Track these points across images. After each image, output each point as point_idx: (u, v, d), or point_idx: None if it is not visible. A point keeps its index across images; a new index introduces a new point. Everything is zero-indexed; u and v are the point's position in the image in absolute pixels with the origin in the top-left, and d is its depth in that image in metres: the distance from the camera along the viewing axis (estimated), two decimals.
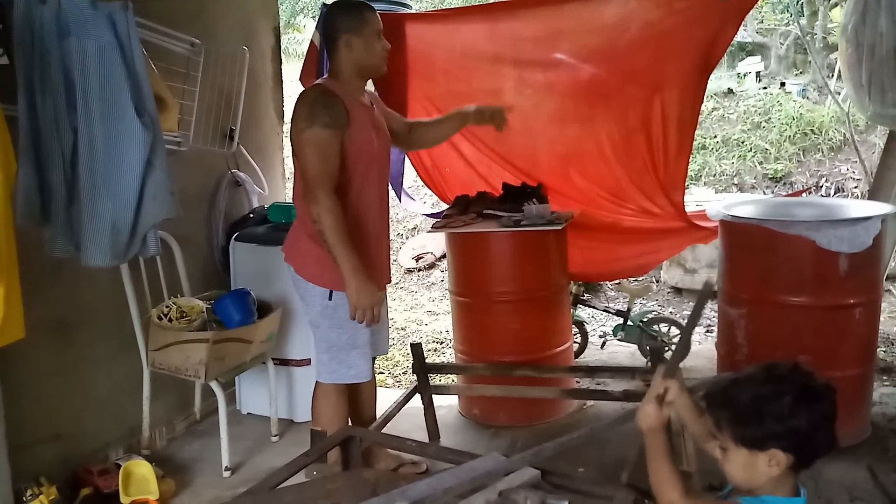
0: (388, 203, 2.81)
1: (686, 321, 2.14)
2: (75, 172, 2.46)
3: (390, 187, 3.14)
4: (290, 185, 4.53)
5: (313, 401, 2.70)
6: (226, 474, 3.12)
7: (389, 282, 2.85)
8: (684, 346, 1.67)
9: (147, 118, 2.49)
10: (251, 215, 3.79)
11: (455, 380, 3.90)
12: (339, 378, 2.60)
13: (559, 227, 3.43)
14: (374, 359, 2.92)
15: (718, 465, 1.40)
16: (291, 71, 4.99)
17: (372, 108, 2.66)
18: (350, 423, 2.70)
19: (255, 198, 3.99)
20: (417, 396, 3.26)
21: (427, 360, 3.33)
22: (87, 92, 2.40)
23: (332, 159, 2.39)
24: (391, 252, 6.73)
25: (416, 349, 3.21)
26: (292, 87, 5.54)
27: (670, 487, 1.35)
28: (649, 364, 3.85)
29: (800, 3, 8.53)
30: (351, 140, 2.46)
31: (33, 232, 2.51)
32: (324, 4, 3.65)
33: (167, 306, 3.16)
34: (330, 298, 2.51)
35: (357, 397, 2.87)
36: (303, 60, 3.76)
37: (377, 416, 2.97)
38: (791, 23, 8.49)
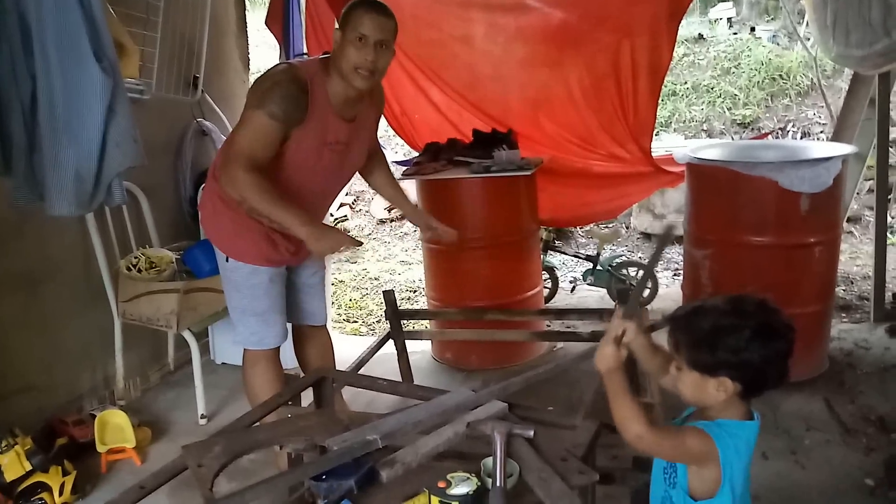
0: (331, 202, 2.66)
1: (647, 263, 2.18)
2: (35, 120, 2.41)
3: None
4: None
5: (243, 367, 2.56)
6: (202, 422, 3.16)
7: None
8: (642, 289, 1.71)
9: (107, 63, 2.42)
10: None
11: (428, 326, 3.95)
12: (244, 342, 2.51)
13: (529, 173, 3.45)
14: (322, 326, 2.81)
15: (672, 382, 1.46)
16: (257, 20, 4.89)
17: (350, 123, 2.37)
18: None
19: None
20: (391, 342, 3.30)
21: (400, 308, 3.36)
22: (44, 37, 2.33)
23: (266, 149, 2.19)
24: (364, 202, 6.69)
25: (389, 296, 3.23)
26: (258, 36, 5.43)
27: (635, 421, 1.38)
28: (617, 307, 3.93)
29: None
30: (296, 140, 2.26)
31: None
32: None
33: (136, 257, 3.15)
34: (227, 261, 2.44)
35: (305, 359, 2.80)
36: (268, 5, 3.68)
37: (351, 362, 3.00)
38: None
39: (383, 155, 2.81)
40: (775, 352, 1.37)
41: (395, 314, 3.19)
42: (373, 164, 2.71)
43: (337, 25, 2.30)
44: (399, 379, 3.33)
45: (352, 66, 2.20)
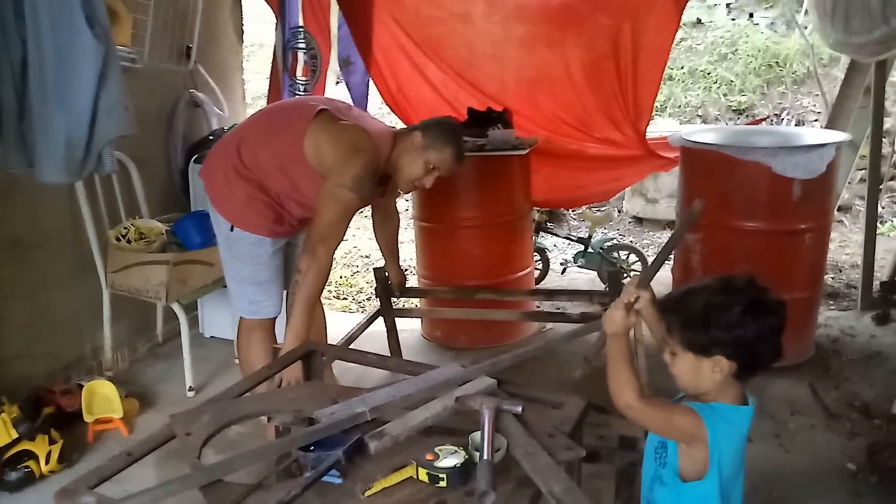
0: None
1: (666, 244, 2.18)
2: (26, 86, 2.37)
3: None
4: (251, 109, 4.45)
5: (237, 336, 2.62)
6: (189, 394, 3.16)
7: None
8: (661, 261, 1.69)
9: (99, 29, 2.38)
10: (211, 137, 3.72)
11: (418, 304, 3.95)
12: (241, 311, 2.55)
13: (523, 153, 3.44)
14: None
15: (668, 369, 1.46)
16: None
17: (380, 197, 2.68)
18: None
19: (215, 119, 3.90)
20: (381, 320, 3.30)
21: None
22: (36, 0, 2.30)
23: (348, 224, 2.40)
24: None
25: (379, 273, 3.23)
26: (253, 10, 5.36)
27: (628, 389, 1.39)
28: (608, 289, 3.93)
29: None
30: None
31: None
32: None
33: (126, 228, 3.13)
34: (231, 230, 2.46)
35: None
36: None
37: (340, 339, 3.00)
38: None
39: (397, 214, 3.01)
40: (768, 327, 1.37)
41: (384, 291, 3.19)
42: (385, 220, 2.95)
43: (423, 136, 2.42)
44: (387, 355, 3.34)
45: (412, 179, 2.48)
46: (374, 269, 3.30)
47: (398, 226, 3.03)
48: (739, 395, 1.43)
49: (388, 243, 3.02)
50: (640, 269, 4.48)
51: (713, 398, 1.41)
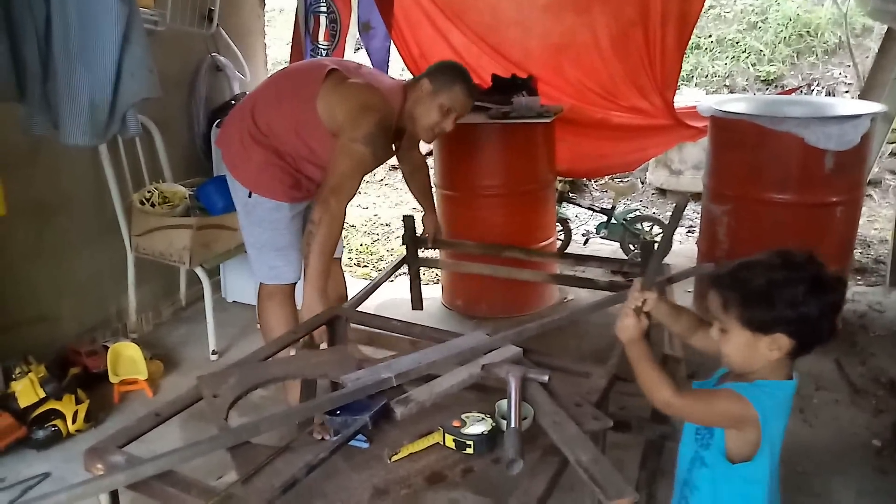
0: None
1: (665, 228, 2.12)
2: (49, 47, 2.36)
3: None
4: (272, 71, 4.41)
5: (258, 301, 2.59)
6: (213, 357, 3.19)
7: None
8: (661, 258, 1.64)
9: None
10: (233, 102, 3.69)
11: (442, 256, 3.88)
12: (261, 276, 2.54)
13: (548, 121, 3.39)
14: (336, 259, 2.79)
15: (703, 342, 1.42)
16: None
17: (396, 151, 2.68)
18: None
19: (237, 84, 3.87)
20: (405, 289, 3.28)
21: None
22: None
23: (361, 180, 2.34)
24: None
25: (408, 221, 3.21)
26: None
27: (662, 387, 1.36)
28: (638, 258, 3.88)
29: None
30: None
31: (8, 109, 2.43)
32: None
33: (149, 191, 3.13)
34: (249, 196, 2.44)
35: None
36: None
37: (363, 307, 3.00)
38: None
39: (424, 163, 3.00)
40: (829, 305, 1.31)
41: (412, 240, 3.19)
42: (414, 171, 2.97)
43: (430, 81, 2.39)
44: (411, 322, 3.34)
45: (430, 126, 2.43)
46: (403, 216, 3.28)
47: (428, 174, 3.03)
48: (788, 373, 1.38)
49: (422, 192, 3.03)
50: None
51: (763, 376, 1.35)
